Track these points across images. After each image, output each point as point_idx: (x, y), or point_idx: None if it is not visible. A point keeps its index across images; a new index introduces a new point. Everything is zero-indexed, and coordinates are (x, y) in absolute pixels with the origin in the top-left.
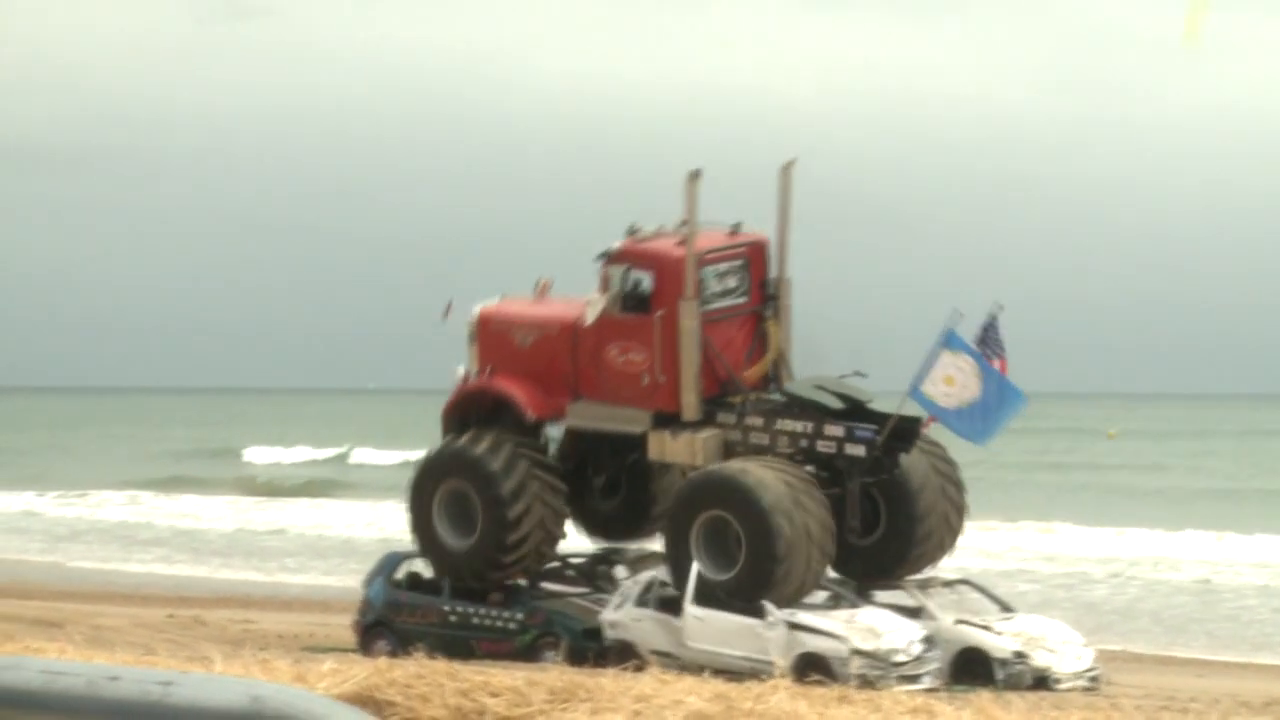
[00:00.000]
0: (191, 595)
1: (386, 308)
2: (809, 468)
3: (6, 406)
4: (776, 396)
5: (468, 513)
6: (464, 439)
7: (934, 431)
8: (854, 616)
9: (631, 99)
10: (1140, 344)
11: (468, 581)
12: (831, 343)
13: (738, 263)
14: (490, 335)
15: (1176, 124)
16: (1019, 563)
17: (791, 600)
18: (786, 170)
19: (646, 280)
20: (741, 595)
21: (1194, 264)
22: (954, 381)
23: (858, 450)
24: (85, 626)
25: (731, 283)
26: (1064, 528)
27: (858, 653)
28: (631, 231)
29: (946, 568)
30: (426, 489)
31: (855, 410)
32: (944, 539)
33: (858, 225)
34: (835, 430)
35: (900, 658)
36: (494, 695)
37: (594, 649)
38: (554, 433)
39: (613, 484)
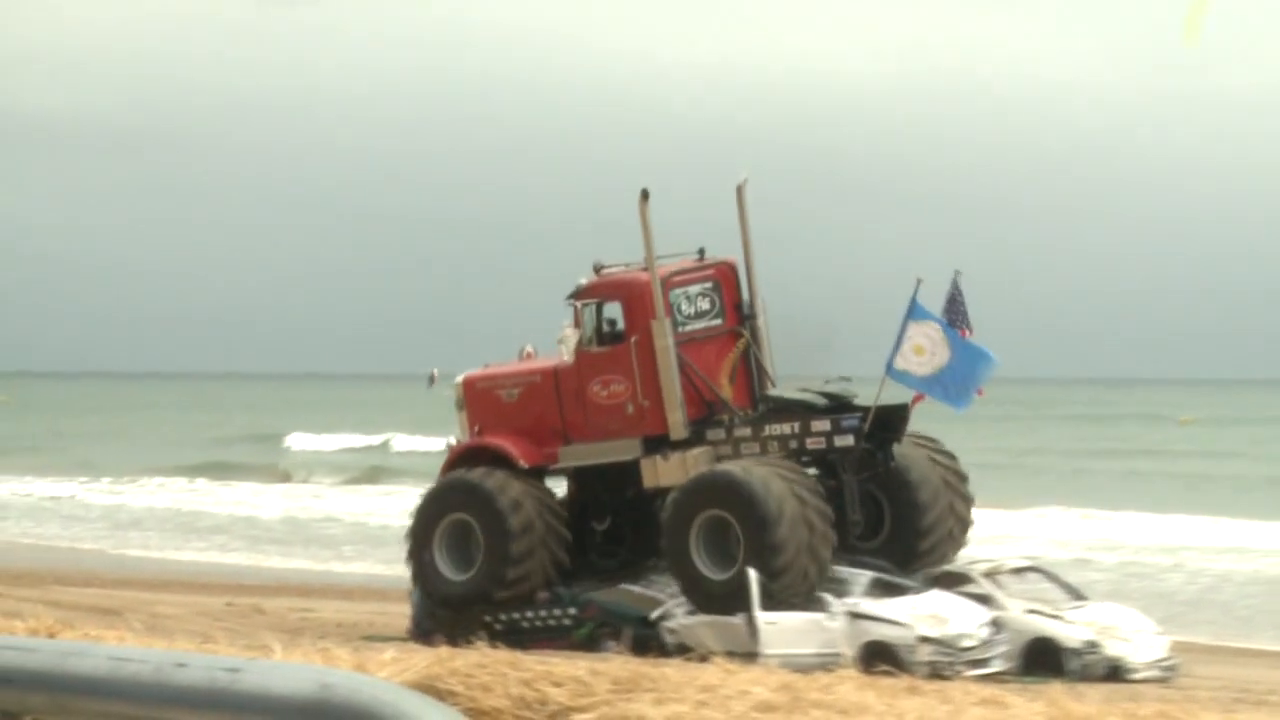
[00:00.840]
0: (249, 583)
1: (446, 291)
2: (810, 471)
3: (64, 392)
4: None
5: (468, 547)
6: (474, 473)
7: (920, 414)
8: (918, 603)
9: (707, 80)
10: (1219, 328)
11: (456, 614)
12: (842, 338)
13: (708, 285)
14: (477, 397)
15: (1261, 102)
16: (1085, 551)
17: (795, 596)
18: (740, 190)
19: (617, 310)
20: (742, 594)
21: (1276, 248)
22: (923, 350)
23: (846, 440)
24: (144, 614)
25: (704, 305)
26: (1134, 516)
27: (924, 640)
28: (598, 268)
29: (1014, 555)
30: (431, 518)
31: (840, 407)
32: (953, 532)
33: (932, 208)
34: (821, 425)
35: (968, 642)
36: (557, 685)
37: (655, 637)
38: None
39: (615, 536)
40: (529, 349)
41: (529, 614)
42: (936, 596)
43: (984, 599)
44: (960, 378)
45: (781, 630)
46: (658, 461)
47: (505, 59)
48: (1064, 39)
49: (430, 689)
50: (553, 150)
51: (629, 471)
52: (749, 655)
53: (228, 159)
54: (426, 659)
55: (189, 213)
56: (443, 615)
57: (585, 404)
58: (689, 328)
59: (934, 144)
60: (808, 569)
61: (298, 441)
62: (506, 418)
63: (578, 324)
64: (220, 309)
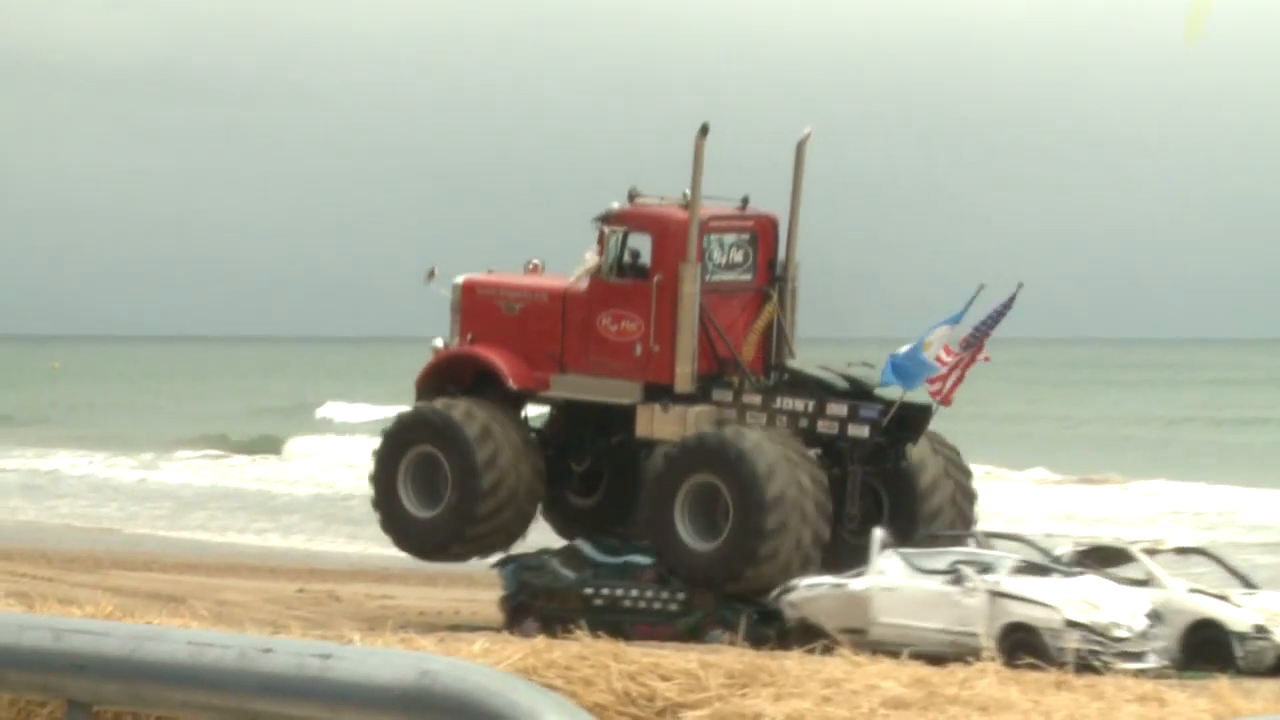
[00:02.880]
0: (321, 567)
1: (508, 247)
2: (812, 451)
3: (113, 356)
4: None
5: (436, 481)
6: (439, 403)
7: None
8: (1070, 586)
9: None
10: None
11: (428, 555)
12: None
13: (745, 236)
14: (475, 303)
15: None
16: (1244, 533)
17: (771, 583)
18: (801, 145)
19: (645, 244)
20: (721, 569)
21: None
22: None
23: (861, 431)
24: (209, 601)
25: (737, 257)
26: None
27: (1072, 625)
28: (632, 196)
29: (1178, 535)
30: (395, 452)
31: (861, 394)
32: (955, 526)
33: (1066, 153)
34: (838, 409)
35: (1121, 632)
36: (665, 679)
37: (772, 632)
38: (536, 421)
39: (593, 478)
40: (535, 262)
41: (633, 593)
42: (1092, 581)
43: (1143, 579)
44: (905, 364)
45: (900, 599)
46: (656, 411)
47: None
48: None
49: None
50: (630, 92)
51: (621, 415)
52: (861, 629)
53: (280, 104)
54: (521, 650)
55: (235, 161)
56: (538, 588)
57: (590, 335)
58: (716, 278)
59: (1064, 86)
60: (792, 556)
61: (334, 411)
62: (502, 331)
63: (601, 249)
64: (260, 266)
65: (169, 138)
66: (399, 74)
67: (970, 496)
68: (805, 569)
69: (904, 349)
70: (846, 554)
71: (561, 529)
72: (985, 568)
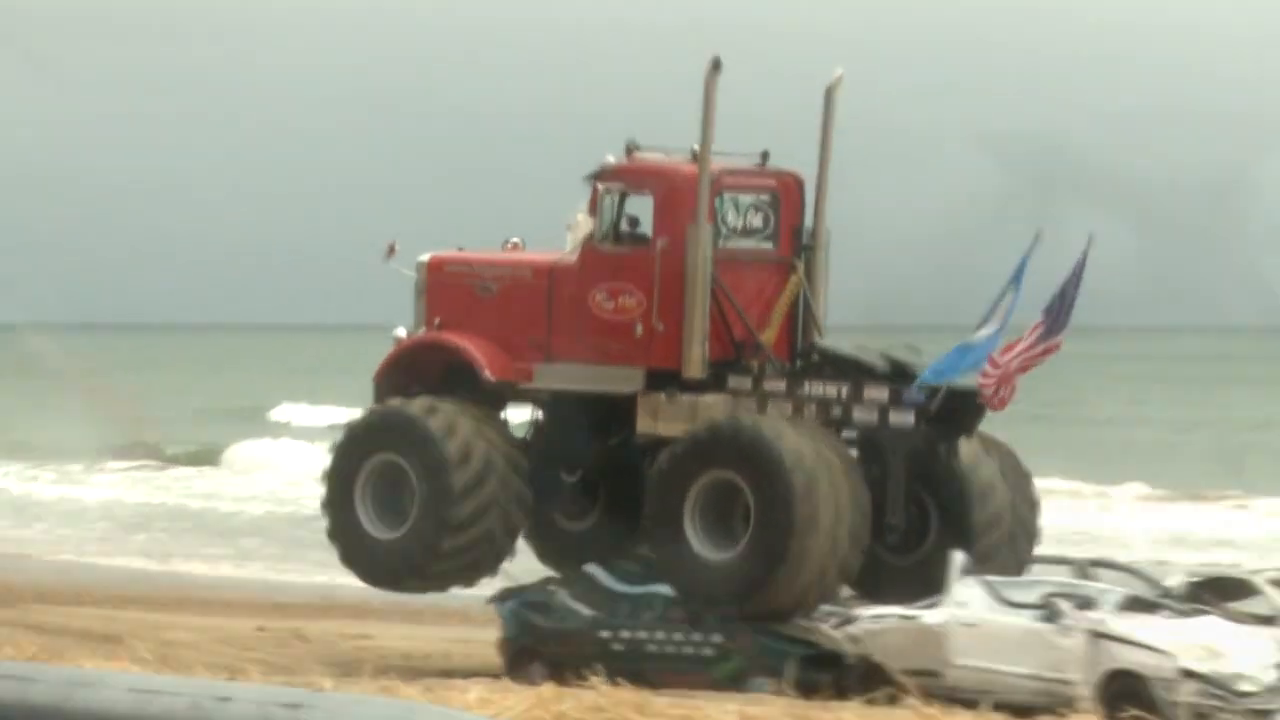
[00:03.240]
0: (286, 601)
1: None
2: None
3: (9, 346)
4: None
5: (400, 495)
6: (399, 402)
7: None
8: (1186, 628)
9: None
10: None
11: (396, 584)
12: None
13: (765, 197)
14: (443, 283)
15: None
16: None
17: (786, 611)
18: (831, 91)
19: (646, 206)
20: (734, 586)
21: None
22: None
23: (905, 418)
24: (152, 641)
25: (756, 221)
26: None
27: (1189, 674)
28: (631, 149)
29: None
30: (350, 464)
31: (904, 376)
32: (1015, 540)
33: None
34: (877, 393)
35: (1247, 686)
36: None
37: (827, 679)
38: (517, 432)
39: (587, 496)
40: (515, 241)
41: (658, 635)
42: (1213, 624)
43: (1270, 615)
44: (952, 356)
45: (984, 637)
46: (660, 402)
47: None
48: None
49: None
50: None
51: (620, 410)
52: (935, 672)
53: (239, 48)
54: (525, 700)
55: (179, 113)
56: (545, 631)
57: (582, 315)
58: (732, 244)
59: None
60: (825, 570)
61: (289, 414)
62: (476, 315)
63: (593, 211)
64: (209, 242)
65: (94, 81)
66: (368, 23)
67: (1033, 504)
68: (835, 591)
69: (981, 334)
70: (883, 573)
71: (551, 560)
72: (1085, 602)
